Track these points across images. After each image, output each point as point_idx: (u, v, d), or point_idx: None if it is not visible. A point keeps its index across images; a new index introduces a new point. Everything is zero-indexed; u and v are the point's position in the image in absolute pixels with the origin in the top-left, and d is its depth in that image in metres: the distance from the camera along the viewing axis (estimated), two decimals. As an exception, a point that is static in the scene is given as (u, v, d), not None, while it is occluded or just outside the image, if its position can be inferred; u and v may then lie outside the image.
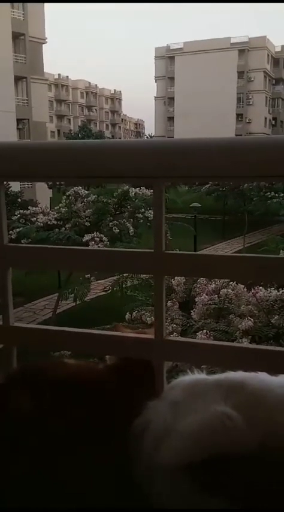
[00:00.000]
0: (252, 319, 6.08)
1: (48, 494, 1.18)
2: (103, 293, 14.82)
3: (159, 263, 1.29)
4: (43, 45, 35.72)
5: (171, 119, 66.46)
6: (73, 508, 1.18)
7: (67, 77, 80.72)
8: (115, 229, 13.92)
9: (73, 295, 12.79)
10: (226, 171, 1.22)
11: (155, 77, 70.86)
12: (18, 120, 33.03)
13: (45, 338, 1.50)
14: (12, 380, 1.35)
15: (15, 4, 32.67)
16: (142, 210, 14.38)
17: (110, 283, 12.30)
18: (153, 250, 1.28)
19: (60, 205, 15.36)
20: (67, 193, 15.21)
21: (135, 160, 1.26)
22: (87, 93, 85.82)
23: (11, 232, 13.40)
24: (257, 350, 1.34)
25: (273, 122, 69.23)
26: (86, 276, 12.37)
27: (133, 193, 14.60)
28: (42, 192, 29.70)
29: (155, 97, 71.26)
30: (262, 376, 1.22)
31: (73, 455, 1.20)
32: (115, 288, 9.95)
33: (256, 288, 6.48)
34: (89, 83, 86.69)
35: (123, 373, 1.32)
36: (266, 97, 67.40)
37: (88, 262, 1.50)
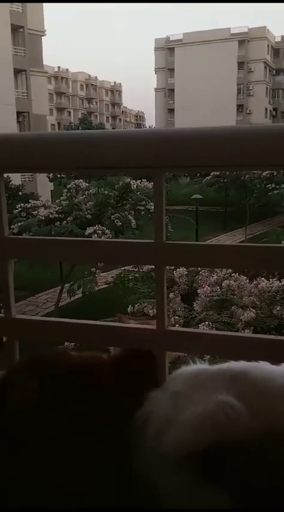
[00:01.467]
0: (254, 310, 6.09)
1: (52, 486, 1.19)
2: (106, 286, 14.86)
3: (159, 253, 1.28)
4: (42, 37, 35.50)
5: (171, 110, 66.15)
6: (73, 507, 1.18)
7: (67, 69, 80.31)
8: (117, 222, 13.88)
9: (81, 289, 12.75)
10: (227, 160, 1.21)
11: (155, 69, 70.48)
12: (18, 113, 32.90)
13: (48, 330, 1.51)
14: (15, 372, 1.36)
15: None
16: (144, 202, 14.32)
17: (112, 277, 12.32)
18: (153, 241, 1.27)
19: (61, 198, 15.32)
20: (68, 186, 15.17)
21: (135, 150, 1.26)
22: (87, 85, 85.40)
23: (12, 226, 13.39)
24: (259, 340, 1.34)
25: (274, 113, 68.87)
26: (92, 269, 12.34)
27: (134, 185, 14.54)
28: (43, 185, 29.66)
29: (155, 89, 70.93)
30: (264, 366, 1.22)
31: (76, 448, 1.20)
32: (117, 281, 9.96)
33: (258, 279, 6.49)
34: (89, 75, 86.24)
35: (126, 364, 1.32)
36: (267, 88, 67.02)
37: (88, 254, 1.50)
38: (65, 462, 1.19)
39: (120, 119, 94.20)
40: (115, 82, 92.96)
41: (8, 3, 31.33)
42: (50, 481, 1.19)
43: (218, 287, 6.74)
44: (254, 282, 6.45)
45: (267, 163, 1.22)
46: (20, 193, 22.60)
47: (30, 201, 16.07)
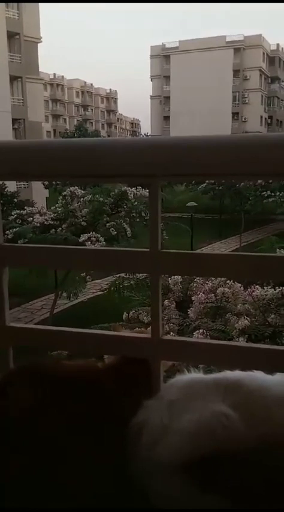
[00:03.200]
0: (249, 318, 6.09)
1: (47, 493, 1.18)
2: (101, 293, 14.84)
3: (155, 262, 1.28)
4: (38, 44, 35.62)
5: (166, 118, 66.40)
6: (74, 508, 1.17)
7: (62, 76, 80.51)
8: (112, 230, 13.90)
9: (65, 293, 12.81)
10: (223, 169, 1.21)
11: (151, 76, 70.84)
12: (14, 120, 32.95)
13: (42, 338, 1.50)
14: (10, 379, 1.35)
15: (10, 3, 32.58)
16: (140, 210, 14.32)
17: (107, 284, 12.32)
18: (148, 249, 1.27)
19: (56, 205, 15.34)
20: (63, 193, 15.19)
21: (130, 158, 1.26)
22: (82, 92, 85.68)
23: (7, 232, 13.38)
24: (254, 349, 1.33)
25: (269, 121, 69.30)
26: (82, 274, 12.38)
27: (132, 194, 14.55)
28: (39, 192, 29.67)
29: (151, 96, 71.25)
30: (259, 375, 1.22)
31: (72, 454, 1.19)
32: (112, 288, 9.96)
33: (252, 286, 6.50)
34: (85, 82, 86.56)
35: (121, 373, 1.32)
36: (262, 95, 67.46)
37: (84, 262, 1.50)
38: (60, 472, 1.18)
39: (115, 126, 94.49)
40: (110, 89, 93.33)
41: (4, 7, 31.40)
42: (45, 494, 1.18)
43: (212, 294, 6.74)
44: (249, 290, 6.46)
45: (263, 173, 1.22)
46: (15, 200, 22.60)
47: (25, 207, 16.08)
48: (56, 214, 14.78)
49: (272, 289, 6.38)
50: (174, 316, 6.90)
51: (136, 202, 14.52)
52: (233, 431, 1.11)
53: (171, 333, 6.26)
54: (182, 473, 1.11)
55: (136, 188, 14.72)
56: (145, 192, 14.00)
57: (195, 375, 1.27)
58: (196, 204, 25.32)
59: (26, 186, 29.90)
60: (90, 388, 1.28)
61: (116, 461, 1.18)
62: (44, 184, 29.43)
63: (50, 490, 1.18)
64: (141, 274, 8.92)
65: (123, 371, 1.32)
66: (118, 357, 1.37)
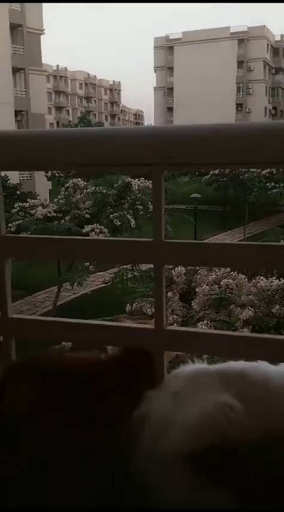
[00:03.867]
0: (253, 309, 6.08)
1: (48, 485, 1.17)
2: (104, 285, 14.83)
3: (158, 252, 1.27)
4: (41, 36, 35.43)
5: (170, 109, 66.09)
6: (73, 508, 1.17)
7: (65, 68, 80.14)
8: (116, 221, 13.86)
9: (69, 283, 12.84)
10: (226, 158, 1.20)
11: (154, 67, 70.41)
12: (17, 112, 32.84)
13: (45, 329, 1.49)
14: (11, 372, 1.34)
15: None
16: (144, 201, 14.27)
17: (110, 275, 12.32)
18: (152, 240, 1.26)
19: (59, 197, 15.29)
20: (66, 185, 15.13)
21: (134, 147, 1.24)
22: (86, 84, 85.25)
23: (10, 225, 13.37)
24: (258, 339, 1.33)
25: (273, 112, 68.86)
26: (85, 264, 12.39)
27: (135, 186, 14.49)
28: (42, 184, 29.60)
29: (154, 87, 70.85)
30: (263, 366, 1.21)
31: (74, 446, 1.19)
32: (115, 280, 9.94)
33: (257, 277, 6.48)
34: (88, 73, 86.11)
35: (124, 364, 1.31)
36: (266, 86, 66.99)
37: (86, 252, 1.49)
38: (62, 461, 1.18)
39: (119, 118, 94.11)
40: (114, 81, 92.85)
41: (7, 1, 31.25)
42: (46, 482, 1.18)
43: (216, 286, 6.73)
44: (253, 281, 6.44)
45: (267, 161, 1.21)
46: (18, 192, 22.54)
47: (28, 200, 16.03)
48: (58, 207, 14.73)
49: (277, 280, 6.36)
50: (177, 308, 6.89)
51: (139, 194, 14.46)
52: (237, 421, 1.10)
53: (175, 324, 6.26)
54: (185, 464, 1.10)
55: (139, 179, 14.66)
56: (149, 184, 13.95)
57: (198, 366, 1.26)
58: (200, 196, 25.24)
59: (29, 178, 29.85)
60: (94, 379, 1.28)
61: (120, 453, 1.18)
62: (46, 176, 29.36)
63: (53, 483, 1.17)
64: (144, 266, 8.91)
65: (127, 362, 1.31)
66: (121, 348, 1.36)
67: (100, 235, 12.48)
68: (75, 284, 12.99)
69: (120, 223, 13.90)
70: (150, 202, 13.84)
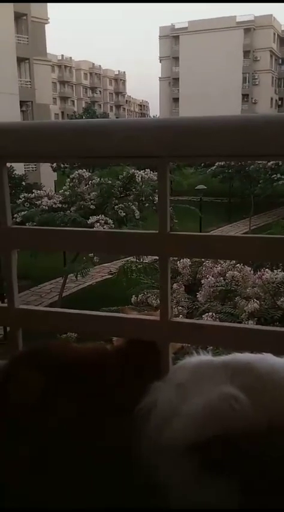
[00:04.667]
0: (258, 301, 6.08)
1: (53, 477, 1.19)
2: (109, 276, 14.86)
3: (163, 244, 1.27)
4: (45, 25, 35.24)
5: (176, 99, 65.75)
6: (73, 508, 1.18)
7: (70, 57, 79.76)
8: (121, 212, 13.86)
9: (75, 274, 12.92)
10: (232, 150, 1.19)
11: (159, 57, 69.94)
12: (22, 102, 32.75)
13: (51, 320, 1.50)
14: (18, 361, 1.36)
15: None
16: (148, 193, 14.25)
17: (116, 267, 12.34)
18: (157, 232, 1.26)
19: (64, 188, 15.30)
20: (71, 176, 15.13)
21: (139, 139, 1.24)
22: (90, 74, 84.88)
23: (15, 216, 13.39)
24: (264, 331, 1.33)
25: (279, 102, 68.39)
26: (90, 255, 12.45)
27: (139, 176, 14.46)
28: (47, 175, 29.59)
29: (160, 78, 70.42)
30: (268, 358, 1.21)
31: (80, 436, 1.20)
32: (121, 271, 9.95)
33: (262, 270, 6.47)
34: (93, 63, 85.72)
35: (129, 355, 1.32)
36: (273, 77, 66.48)
37: (92, 244, 1.49)
38: (68, 453, 1.19)
39: (124, 108, 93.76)
40: (119, 71, 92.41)
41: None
42: (51, 472, 1.19)
43: (222, 278, 6.73)
44: (259, 273, 6.43)
45: (274, 154, 1.20)
46: (23, 183, 22.55)
47: (33, 191, 16.05)
48: (64, 198, 14.74)
49: (282, 273, 6.35)
50: (183, 299, 6.90)
51: (143, 186, 14.43)
52: (241, 413, 1.11)
53: (180, 315, 6.27)
54: (190, 455, 1.11)
55: (145, 171, 14.62)
56: (153, 175, 13.92)
57: (203, 357, 1.27)
58: (205, 187, 25.15)
59: (34, 169, 29.84)
60: (99, 370, 1.28)
61: (125, 444, 1.19)
62: (52, 167, 29.36)
63: (59, 475, 1.18)
64: (150, 258, 8.92)
65: (132, 353, 1.32)
66: (126, 340, 1.37)
67: (105, 226, 12.48)
68: (79, 275, 13.05)
69: (124, 214, 13.89)
70: (153, 193, 13.83)
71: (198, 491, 1.11)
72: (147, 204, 14.50)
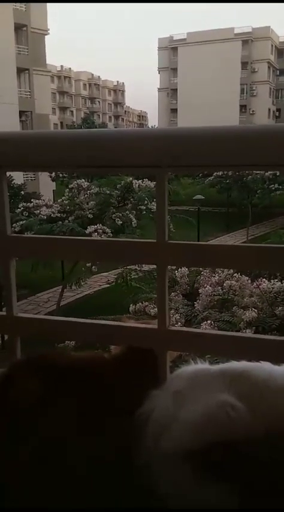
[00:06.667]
0: (256, 310, 6.09)
1: (52, 482, 1.19)
2: (107, 285, 14.86)
3: (161, 253, 1.28)
4: (45, 36, 35.47)
5: (174, 110, 66.01)
6: (74, 508, 1.18)
7: (70, 68, 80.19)
8: (118, 221, 13.90)
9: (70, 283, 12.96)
10: (230, 160, 1.21)
11: (158, 68, 70.35)
12: (21, 112, 32.87)
13: (49, 328, 1.51)
14: (17, 369, 1.36)
15: (17, -5, 32.41)
16: (146, 201, 14.32)
17: (114, 276, 12.35)
18: (155, 240, 1.27)
19: (63, 197, 15.35)
20: (70, 186, 15.19)
21: (138, 149, 1.25)
22: (90, 84, 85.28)
23: (14, 225, 13.42)
24: (261, 340, 1.33)
25: (277, 113, 68.72)
26: (87, 265, 12.48)
27: (136, 185, 14.53)
28: (46, 185, 29.62)
29: (158, 88, 70.80)
30: (266, 366, 1.21)
31: (78, 443, 1.20)
32: (119, 281, 9.96)
33: (259, 279, 6.49)
34: (92, 74, 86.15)
35: (127, 364, 1.32)
36: (270, 88, 66.86)
37: (90, 253, 1.50)
38: (66, 460, 1.19)
39: (122, 119, 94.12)
40: (118, 81, 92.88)
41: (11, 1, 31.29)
42: (49, 477, 1.19)
43: (219, 287, 6.74)
44: (256, 283, 6.45)
45: (271, 163, 1.22)
46: (22, 192, 22.58)
47: (32, 200, 16.08)
48: (62, 207, 14.78)
49: (280, 283, 6.37)
50: (180, 307, 6.90)
51: (140, 193, 14.49)
52: (239, 421, 1.11)
53: (179, 323, 6.27)
54: (188, 463, 1.11)
55: (142, 180, 14.68)
56: (150, 184, 14.00)
57: (201, 366, 1.27)
58: (203, 197, 25.19)
59: (33, 178, 29.88)
60: (97, 378, 1.29)
61: (122, 452, 1.19)
62: (50, 176, 29.37)
63: (57, 480, 1.18)
64: (147, 266, 8.93)
65: (130, 362, 1.32)
66: (124, 348, 1.37)
67: (103, 236, 12.50)
68: (74, 286, 13.06)
69: (121, 222, 13.94)
70: (149, 201, 13.89)
71: (195, 498, 1.11)
72: (144, 212, 14.54)
